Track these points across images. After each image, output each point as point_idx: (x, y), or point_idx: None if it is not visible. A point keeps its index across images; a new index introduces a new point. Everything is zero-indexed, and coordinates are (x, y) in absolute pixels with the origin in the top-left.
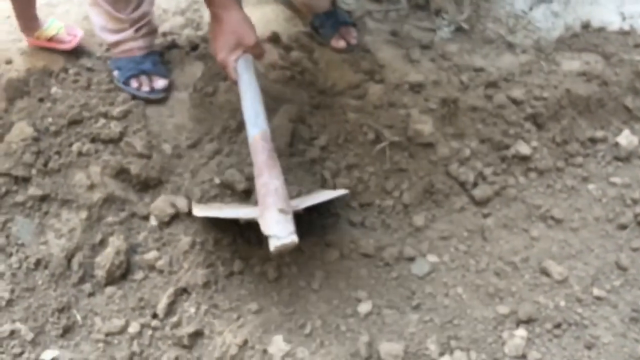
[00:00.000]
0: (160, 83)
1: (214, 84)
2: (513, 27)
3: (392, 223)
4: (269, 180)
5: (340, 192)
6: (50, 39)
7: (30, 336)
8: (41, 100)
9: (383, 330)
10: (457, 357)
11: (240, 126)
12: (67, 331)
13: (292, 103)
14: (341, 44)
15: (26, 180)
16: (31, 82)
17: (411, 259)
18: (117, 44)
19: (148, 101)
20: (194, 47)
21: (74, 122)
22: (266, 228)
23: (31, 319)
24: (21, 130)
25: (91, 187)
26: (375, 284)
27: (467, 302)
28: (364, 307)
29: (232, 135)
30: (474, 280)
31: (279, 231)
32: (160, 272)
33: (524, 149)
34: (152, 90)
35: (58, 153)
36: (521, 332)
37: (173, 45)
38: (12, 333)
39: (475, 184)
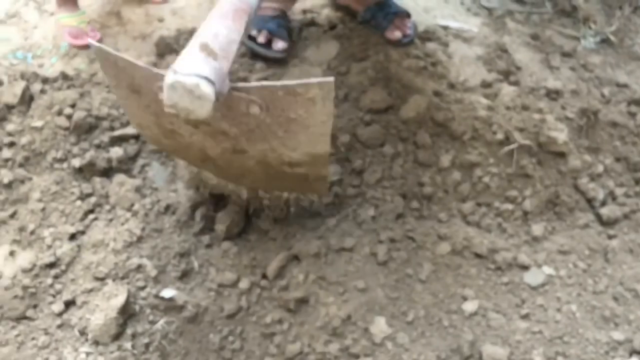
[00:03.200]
0: (279, 45)
1: (348, 64)
2: None
3: (509, 228)
4: (214, 25)
5: (324, 79)
6: (69, 27)
7: (154, 273)
8: None
9: (487, 332)
10: None
11: None
12: (184, 275)
13: (421, 94)
14: (396, 34)
15: None
16: (180, 41)
17: (525, 267)
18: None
19: (267, 60)
20: (332, 27)
21: None
22: (175, 64)
23: (156, 257)
24: None
25: None
26: (483, 285)
27: (580, 321)
28: (470, 306)
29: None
30: (590, 301)
31: (183, 65)
32: (273, 239)
33: None
34: (269, 46)
35: None
36: None
37: (312, 23)
38: (139, 267)
39: (603, 203)
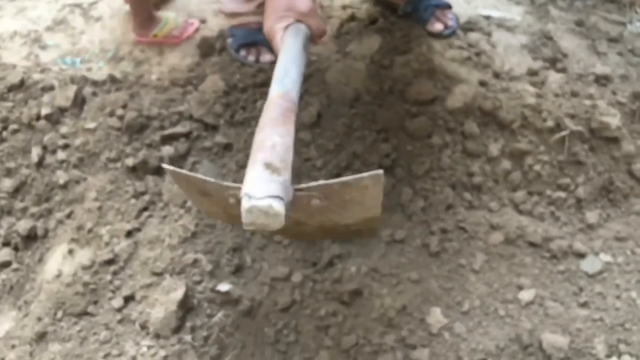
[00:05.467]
0: (267, 57)
1: (391, 58)
2: None
3: (562, 216)
4: (268, 135)
5: (374, 173)
6: (165, 36)
7: (209, 267)
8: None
9: (545, 321)
10: None
11: None
12: (238, 270)
13: (467, 84)
14: (438, 27)
15: (214, 128)
16: (222, 41)
17: (581, 255)
18: (235, 15)
19: None
20: (373, 21)
21: (262, 85)
22: (244, 186)
23: (210, 252)
24: (214, 82)
25: None
26: (539, 274)
27: None
28: (526, 295)
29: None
30: None
31: (255, 189)
32: None
33: None
34: (257, 61)
35: (243, 108)
36: None
37: (352, 18)
38: (195, 262)
39: None
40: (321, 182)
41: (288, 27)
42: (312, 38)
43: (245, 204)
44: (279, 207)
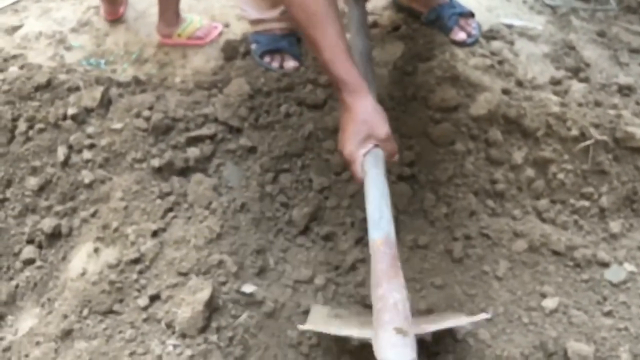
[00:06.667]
0: (290, 64)
1: (414, 64)
2: None
3: (586, 225)
4: (387, 292)
5: (480, 316)
6: (189, 38)
7: (234, 269)
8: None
9: (569, 329)
10: None
11: None
12: (262, 271)
13: (490, 91)
14: (461, 35)
15: (239, 131)
16: (246, 45)
17: (605, 265)
18: (259, 22)
19: None
20: (396, 28)
21: (285, 89)
22: (379, 351)
23: (235, 254)
24: (239, 86)
25: None
26: (563, 282)
27: None
28: (550, 303)
29: None
30: None
31: (394, 356)
32: (345, 234)
33: None
34: (281, 68)
35: (267, 112)
36: None
37: (374, 25)
38: (220, 263)
39: None
40: (437, 326)
41: (367, 153)
42: (385, 159)
43: None
44: None
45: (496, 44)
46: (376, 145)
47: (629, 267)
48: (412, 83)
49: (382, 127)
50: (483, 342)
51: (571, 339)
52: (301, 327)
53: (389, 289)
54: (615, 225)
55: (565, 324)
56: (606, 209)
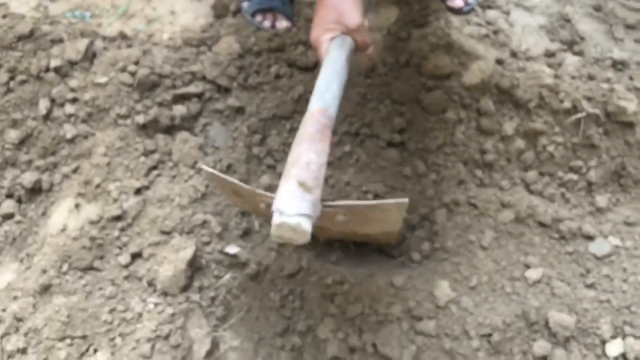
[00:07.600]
0: (282, 23)
1: (408, 30)
2: None
3: (572, 198)
4: (304, 152)
5: (399, 200)
6: None
7: (218, 229)
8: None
9: (552, 300)
10: (629, 343)
11: None
12: (246, 233)
13: (483, 60)
14: (458, 3)
15: (227, 90)
16: (237, 3)
17: (590, 238)
18: None
19: None
20: None
21: (277, 50)
22: (276, 201)
23: (219, 214)
24: (229, 44)
25: None
26: (547, 253)
27: None
28: (533, 274)
29: None
30: None
31: (287, 206)
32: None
33: None
34: (273, 27)
35: (257, 72)
36: None
37: None
38: (204, 223)
39: None
40: (348, 202)
41: (334, 38)
42: (357, 50)
43: (276, 219)
44: (307, 225)
45: (492, 14)
46: (345, 33)
47: (613, 241)
48: (406, 49)
49: (352, 15)
50: (466, 309)
51: (553, 310)
52: (206, 167)
53: (308, 149)
54: (602, 200)
55: (547, 295)
56: (594, 183)
